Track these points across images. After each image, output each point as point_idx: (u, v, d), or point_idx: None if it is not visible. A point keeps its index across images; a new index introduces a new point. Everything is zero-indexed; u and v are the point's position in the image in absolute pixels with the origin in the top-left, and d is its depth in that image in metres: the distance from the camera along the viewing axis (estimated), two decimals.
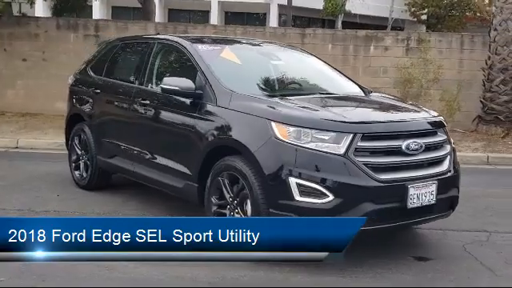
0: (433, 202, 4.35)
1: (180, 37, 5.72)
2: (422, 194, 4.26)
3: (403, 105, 5.18)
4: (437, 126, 4.69)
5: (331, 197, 4.03)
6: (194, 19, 26.58)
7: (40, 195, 6.36)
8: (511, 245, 5.11)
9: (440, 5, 28.72)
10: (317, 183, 4.05)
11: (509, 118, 11.28)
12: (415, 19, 29.00)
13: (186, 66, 5.34)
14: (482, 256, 4.72)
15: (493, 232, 5.37)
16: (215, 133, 4.68)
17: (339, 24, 25.32)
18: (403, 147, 4.26)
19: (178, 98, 5.06)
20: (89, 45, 12.03)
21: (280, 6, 25.65)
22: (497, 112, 11.34)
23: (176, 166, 5.12)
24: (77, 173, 6.75)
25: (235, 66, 5.29)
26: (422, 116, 4.74)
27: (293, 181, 4.09)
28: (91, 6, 15.34)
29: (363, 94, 5.44)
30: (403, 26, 29.95)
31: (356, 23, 24.99)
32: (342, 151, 4.07)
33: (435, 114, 4.88)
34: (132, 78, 5.90)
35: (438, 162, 4.52)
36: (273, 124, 4.24)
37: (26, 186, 6.76)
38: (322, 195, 4.04)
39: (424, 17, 29.53)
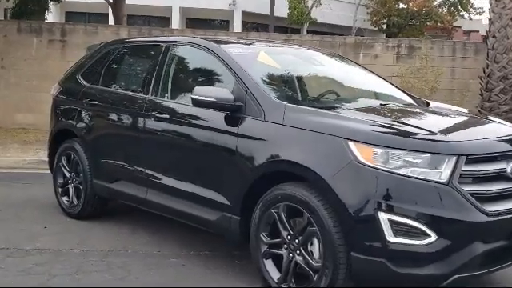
0: None
1: (202, 38, 4.79)
2: None
3: (487, 118, 4.39)
4: None
5: (434, 237, 3.18)
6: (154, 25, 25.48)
7: (24, 227, 5.29)
8: None
9: (401, 14, 28.75)
10: (415, 219, 3.20)
11: None
12: (376, 28, 28.93)
13: (216, 73, 4.44)
14: None
15: None
16: (266, 155, 3.77)
17: (304, 32, 24.79)
18: (508, 170, 3.47)
19: (209, 111, 4.14)
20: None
21: (244, 13, 24.89)
22: None
23: (207, 194, 4.18)
24: (65, 199, 5.71)
25: (276, 72, 4.42)
26: None
27: (383, 217, 3.23)
28: (45, 11, 14.06)
29: (425, 105, 4.67)
30: (364, 35, 29.79)
31: (320, 32, 24.48)
32: (445, 178, 3.24)
33: None
34: (141, 88, 4.93)
35: None
36: (351, 144, 3.37)
37: (2, 215, 5.66)
38: (423, 235, 3.19)
39: (385, 26, 29.53)
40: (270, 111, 3.85)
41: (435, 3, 29.55)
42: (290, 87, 4.34)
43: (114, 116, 5.12)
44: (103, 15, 24.77)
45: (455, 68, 11.92)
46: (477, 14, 29.71)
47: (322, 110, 3.82)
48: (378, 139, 3.35)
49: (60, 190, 5.76)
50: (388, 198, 3.24)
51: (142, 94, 4.87)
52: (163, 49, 4.88)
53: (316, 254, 3.50)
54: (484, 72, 10.94)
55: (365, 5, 27.41)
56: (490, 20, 10.92)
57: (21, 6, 13.03)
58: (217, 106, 4.02)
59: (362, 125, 3.52)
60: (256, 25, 26.54)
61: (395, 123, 3.62)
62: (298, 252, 3.59)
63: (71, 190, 5.63)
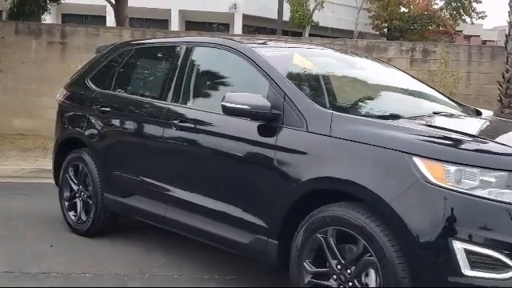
0: None
1: (229, 38, 4.32)
2: None
3: None
4: None
5: None
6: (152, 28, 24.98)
7: (27, 246, 4.80)
8: None
9: (403, 18, 28.40)
10: (496, 249, 2.73)
11: None
12: (377, 32, 28.57)
13: (246, 77, 3.97)
14: None
15: None
16: (310, 171, 3.29)
17: (306, 36, 24.35)
18: None
19: (241, 120, 3.66)
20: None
21: (245, 17, 24.43)
22: None
23: (239, 214, 3.70)
24: (72, 214, 5.22)
25: (314, 76, 3.95)
26: None
27: (458, 246, 2.76)
28: (43, 12, 13.54)
29: (475, 113, 4.22)
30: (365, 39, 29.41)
31: (322, 36, 24.06)
32: None
33: None
34: (159, 93, 4.45)
35: None
36: (417, 160, 2.90)
37: (2, 231, 5.16)
38: (504, 267, 2.72)
39: (386, 30, 29.17)
40: (314, 121, 3.38)
41: (437, 7, 29.28)
42: (331, 93, 3.87)
43: (128, 124, 4.64)
44: (101, 18, 24.26)
45: (471, 73, 11.49)
46: (479, 18, 29.35)
47: (375, 120, 3.34)
48: (450, 155, 2.87)
49: (66, 204, 5.27)
50: (463, 223, 2.77)
51: (160, 101, 4.39)
52: (184, 50, 4.40)
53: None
54: (503, 77, 10.50)
55: (366, 8, 27.07)
56: (509, 23, 10.49)
57: (18, 7, 12.51)
58: (251, 114, 3.54)
59: (427, 137, 3.04)
60: (255, 28, 26.10)
61: (462, 136, 3.14)
62: (350, 284, 3.11)
63: (79, 205, 5.14)
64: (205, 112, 4.01)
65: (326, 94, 3.79)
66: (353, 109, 3.68)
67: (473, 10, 29.00)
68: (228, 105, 3.57)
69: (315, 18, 23.96)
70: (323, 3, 22.60)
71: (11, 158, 9.07)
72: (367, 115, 3.50)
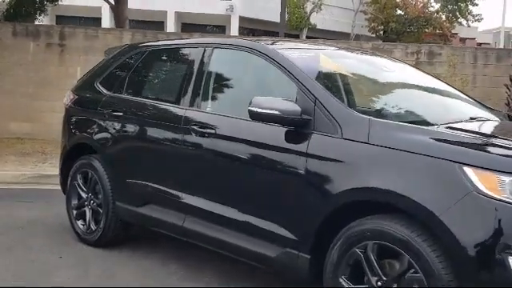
0: None
1: (251, 40, 4.11)
2: None
3: None
4: None
5: None
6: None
7: (35, 258, 4.56)
8: None
9: (399, 21, 28.33)
10: None
11: None
12: (374, 35, 28.49)
13: (271, 81, 3.77)
14: None
15: None
16: (347, 180, 3.08)
17: (303, 38, 24.20)
18: None
19: (267, 125, 3.45)
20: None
21: (241, 19, 24.24)
22: None
23: (266, 226, 3.49)
24: (80, 223, 4.98)
25: (345, 78, 3.75)
26: None
27: None
28: (41, 13, 13.26)
29: (507, 118, 4.04)
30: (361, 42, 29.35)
31: (319, 38, 23.95)
32: None
33: None
34: (177, 97, 4.23)
35: None
36: (468, 171, 2.70)
37: (7, 242, 4.92)
38: None
39: (382, 32, 29.08)
40: (350, 127, 3.17)
41: (433, 10, 29.23)
42: (363, 97, 3.68)
43: (143, 129, 4.41)
44: (96, 19, 24.01)
45: (476, 76, 11.33)
46: (475, 20, 29.31)
47: (418, 126, 3.14)
48: (505, 165, 2.67)
49: (74, 212, 5.03)
50: None
51: (178, 105, 4.17)
52: (203, 52, 4.18)
53: None
54: (511, 80, 10.35)
55: (363, 11, 26.99)
56: None
57: (15, 8, 12.23)
58: (281, 119, 3.33)
59: (477, 146, 2.85)
60: (249, 30, 25.89)
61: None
62: None
63: (88, 213, 4.91)
64: (227, 117, 3.80)
65: (358, 98, 3.58)
66: (387, 114, 3.48)
67: (469, 13, 28.94)
68: (256, 110, 3.36)
69: (312, 20, 23.80)
70: (321, 5, 22.44)
71: (10, 163, 8.81)
72: (404, 120, 3.29)
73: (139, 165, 4.45)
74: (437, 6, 29.34)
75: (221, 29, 26.27)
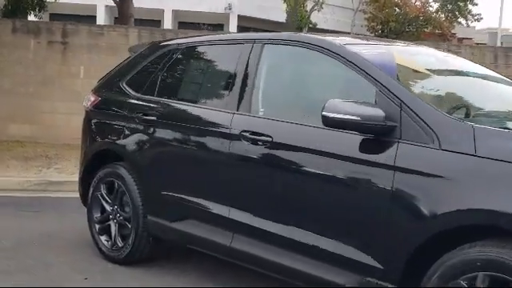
0: None
1: (312, 35, 3.61)
2: None
3: None
4: None
5: None
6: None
7: (55, 277, 4.08)
8: None
9: (399, 20, 27.99)
10: None
11: None
12: (373, 34, 28.12)
13: (341, 82, 3.31)
14: None
15: None
16: (453, 201, 2.59)
17: None
18: None
19: (340, 133, 2.98)
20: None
21: (240, 17, 23.74)
22: None
23: (340, 250, 3.01)
24: (104, 239, 4.48)
25: (429, 79, 3.29)
26: None
27: None
28: (40, 10, 12.69)
29: None
30: None
31: None
32: None
33: None
34: (221, 100, 3.75)
35: None
36: None
37: (24, 261, 4.39)
38: None
39: (381, 32, 28.73)
40: (449, 136, 2.69)
41: (432, 9, 28.93)
42: (454, 100, 3.20)
43: (181, 136, 3.93)
44: (91, 18, 23.40)
45: None
46: (475, 20, 29.02)
47: None
48: None
49: (97, 226, 4.52)
50: None
51: (223, 108, 3.67)
52: (251, 49, 3.67)
53: None
54: None
55: (362, 10, 26.62)
56: None
57: (13, 4, 11.66)
58: (361, 126, 2.85)
59: None
60: (247, 29, 25.41)
61: None
62: None
63: (114, 228, 4.40)
64: (288, 123, 3.31)
65: (449, 101, 3.11)
66: (484, 120, 3.00)
67: (468, 13, 28.64)
68: (331, 115, 2.87)
69: (313, 19, 23.37)
70: (322, 4, 22.00)
71: (12, 168, 8.26)
72: (503, 127, 2.82)
73: (177, 175, 3.96)
74: (436, 6, 29.03)
75: (219, 27, 25.75)
